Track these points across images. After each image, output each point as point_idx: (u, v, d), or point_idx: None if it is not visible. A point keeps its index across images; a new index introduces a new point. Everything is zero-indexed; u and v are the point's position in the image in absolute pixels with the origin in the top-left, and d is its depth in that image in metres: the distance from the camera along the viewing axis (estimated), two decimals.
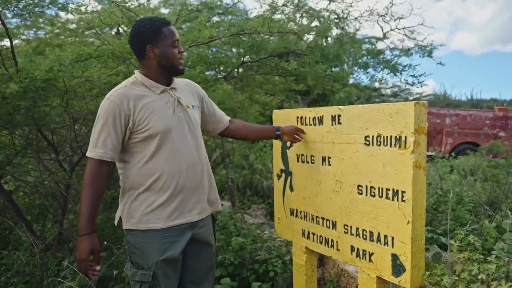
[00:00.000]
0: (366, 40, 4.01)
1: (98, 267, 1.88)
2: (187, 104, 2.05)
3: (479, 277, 1.67)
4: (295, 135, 2.36)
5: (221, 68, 3.99)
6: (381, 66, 3.92)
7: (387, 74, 4.15)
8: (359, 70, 4.27)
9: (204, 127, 2.27)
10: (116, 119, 1.86)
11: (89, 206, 1.85)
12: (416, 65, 6.69)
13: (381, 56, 3.82)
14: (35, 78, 2.57)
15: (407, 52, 3.82)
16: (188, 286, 2.10)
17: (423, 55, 3.87)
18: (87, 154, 1.89)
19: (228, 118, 2.32)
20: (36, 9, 3.05)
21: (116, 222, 2.04)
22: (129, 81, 1.97)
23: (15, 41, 5.40)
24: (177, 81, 2.10)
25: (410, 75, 4.81)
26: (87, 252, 1.84)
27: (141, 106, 1.89)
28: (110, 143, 1.86)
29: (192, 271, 2.09)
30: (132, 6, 3.62)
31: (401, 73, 4.00)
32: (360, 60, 4.09)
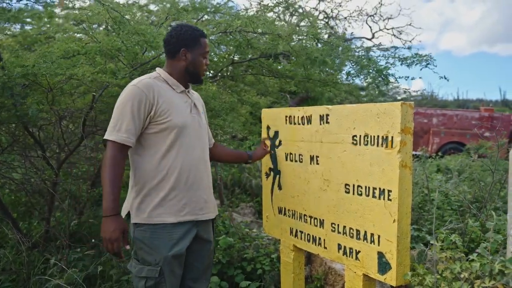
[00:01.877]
0: (358, 50, 3.93)
1: (128, 246, 1.90)
2: (199, 109, 2.18)
3: (462, 275, 1.70)
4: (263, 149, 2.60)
5: (211, 67, 3.97)
6: (373, 73, 3.88)
7: (378, 83, 4.09)
8: (348, 78, 4.25)
9: None
10: (141, 105, 1.91)
11: (114, 187, 1.86)
12: (413, 78, 6.65)
13: (373, 66, 3.77)
14: (13, 74, 2.55)
15: (405, 59, 3.76)
16: (187, 282, 2.15)
17: (424, 66, 3.78)
18: (108, 137, 1.90)
19: (213, 141, 2.43)
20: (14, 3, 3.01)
21: (124, 215, 2.04)
22: (152, 75, 2.07)
23: (0, 37, 5.33)
24: (191, 91, 2.23)
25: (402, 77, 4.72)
26: (120, 232, 1.85)
27: (164, 99, 1.98)
28: (133, 128, 1.91)
29: (193, 268, 2.14)
30: (119, 1, 3.59)
31: (395, 81, 3.93)
32: (351, 69, 4.08)
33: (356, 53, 3.80)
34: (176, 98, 2.04)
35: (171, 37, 2.08)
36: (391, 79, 3.73)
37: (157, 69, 2.12)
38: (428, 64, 3.67)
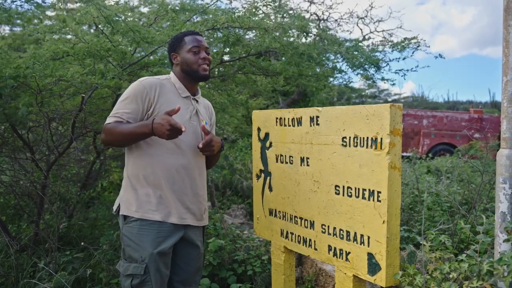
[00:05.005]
0: (347, 41, 4.01)
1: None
2: (203, 118, 2.20)
3: (451, 276, 1.71)
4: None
5: None
6: (362, 61, 3.88)
7: (368, 69, 4.12)
8: (337, 73, 4.29)
9: None
10: (141, 99, 1.99)
11: (129, 125, 1.93)
12: (400, 59, 6.68)
13: (361, 52, 3.81)
14: (4, 75, 2.54)
15: (396, 44, 3.84)
16: (176, 285, 2.18)
17: (415, 48, 3.86)
18: (106, 122, 1.99)
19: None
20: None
21: (114, 208, 2.10)
22: (163, 77, 2.14)
23: None
24: (201, 99, 2.27)
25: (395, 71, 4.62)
26: (162, 116, 1.86)
27: (165, 99, 2.04)
28: (126, 117, 1.97)
29: (181, 271, 2.17)
30: (110, 4, 3.58)
31: (386, 67, 3.96)
32: (339, 60, 4.10)
33: (345, 45, 3.85)
34: (178, 102, 2.08)
35: (167, 48, 2.20)
36: (383, 73, 3.76)
37: (171, 72, 2.20)
38: (418, 46, 3.72)
